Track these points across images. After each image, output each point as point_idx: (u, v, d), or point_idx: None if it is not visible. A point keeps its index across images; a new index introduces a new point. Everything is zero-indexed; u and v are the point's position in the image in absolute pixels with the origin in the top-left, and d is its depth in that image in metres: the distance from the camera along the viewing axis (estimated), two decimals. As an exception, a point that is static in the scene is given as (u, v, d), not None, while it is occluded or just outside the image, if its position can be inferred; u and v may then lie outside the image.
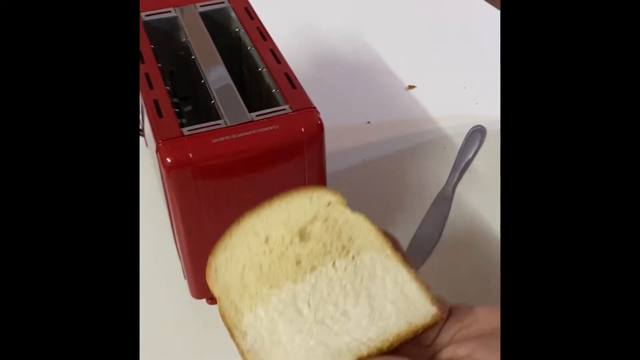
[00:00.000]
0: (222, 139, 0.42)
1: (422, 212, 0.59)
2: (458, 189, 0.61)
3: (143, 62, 0.49)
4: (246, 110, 0.45)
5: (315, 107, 0.45)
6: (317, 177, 0.46)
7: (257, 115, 0.44)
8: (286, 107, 0.45)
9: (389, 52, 0.80)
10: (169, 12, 0.55)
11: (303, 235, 0.35)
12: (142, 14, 0.54)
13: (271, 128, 0.43)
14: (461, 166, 0.63)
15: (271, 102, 0.47)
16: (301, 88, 0.47)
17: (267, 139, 0.43)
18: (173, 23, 0.54)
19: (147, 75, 0.48)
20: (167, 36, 0.54)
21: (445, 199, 0.60)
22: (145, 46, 0.51)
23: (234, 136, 0.43)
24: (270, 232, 0.35)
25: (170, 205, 0.44)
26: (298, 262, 0.34)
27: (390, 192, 0.60)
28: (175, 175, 0.42)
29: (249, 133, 0.43)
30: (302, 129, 0.44)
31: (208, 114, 0.47)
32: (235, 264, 0.34)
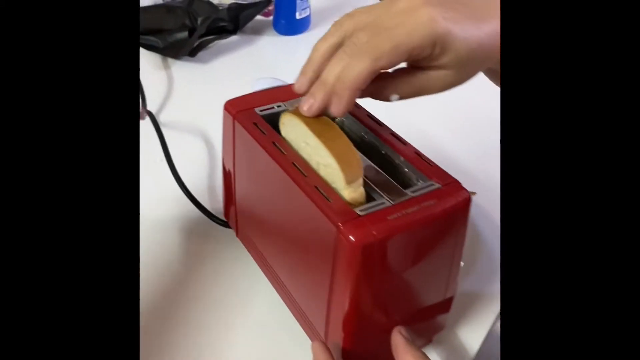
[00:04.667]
0: (395, 215, 0.47)
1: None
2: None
3: (284, 153, 0.53)
4: (401, 189, 0.50)
5: (458, 181, 0.51)
6: (462, 237, 0.52)
7: (412, 192, 0.50)
8: (433, 182, 0.51)
9: (455, 155, 0.83)
10: (279, 106, 0.60)
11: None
12: (256, 110, 0.59)
13: (431, 203, 0.49)
14: None
15: (412, 179, 0.53)
16: (437, 165, 0.53)
17: (431, 211, 0.48)
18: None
19: (294, 164, 0.52)
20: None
21: None
22: (277, 138, 0.55)
23: (403, 212, 0.48)
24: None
25: (347, 283, 0.47)
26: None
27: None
28: (361, 252, 0.46)
29: (415, 208, 0.48)
30: (456, 200, 0.49)
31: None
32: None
